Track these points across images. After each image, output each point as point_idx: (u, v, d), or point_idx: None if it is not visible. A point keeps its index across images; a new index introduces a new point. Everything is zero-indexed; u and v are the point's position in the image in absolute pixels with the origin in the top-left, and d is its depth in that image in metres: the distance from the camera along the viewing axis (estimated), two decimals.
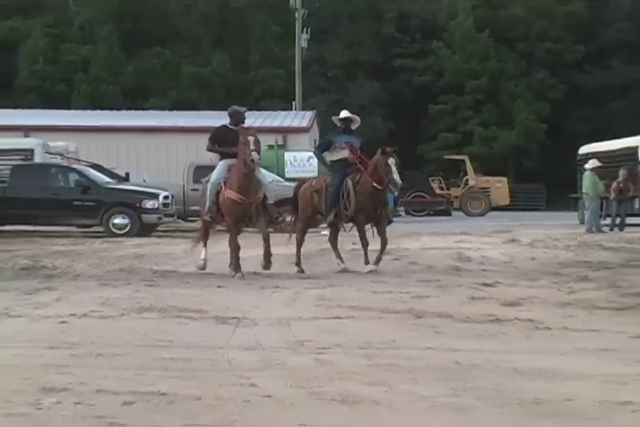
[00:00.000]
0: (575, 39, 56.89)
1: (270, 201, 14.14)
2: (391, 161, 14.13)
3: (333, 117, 15.56)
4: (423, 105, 54.87)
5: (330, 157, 14.96)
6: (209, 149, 14.96)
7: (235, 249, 13.65)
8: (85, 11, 55.13)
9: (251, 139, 13.16)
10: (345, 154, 14.61)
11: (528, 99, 55.77)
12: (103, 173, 26.92)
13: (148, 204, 24.78)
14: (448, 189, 44.14)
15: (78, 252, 18.65)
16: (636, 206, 29.37)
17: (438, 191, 43.68)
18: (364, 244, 14.46)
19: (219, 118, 39.88)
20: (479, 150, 53.13)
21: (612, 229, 27.58)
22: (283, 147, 35.49)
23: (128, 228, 24.26)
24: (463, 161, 45.13)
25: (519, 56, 57.04)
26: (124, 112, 43.38)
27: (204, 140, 34.57)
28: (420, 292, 11.22)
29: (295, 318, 8.95)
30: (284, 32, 52.16)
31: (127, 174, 29.15)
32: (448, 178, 45.26)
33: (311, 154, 33.76)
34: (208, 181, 14.43)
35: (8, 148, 28.40)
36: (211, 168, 28.75)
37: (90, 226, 24.99)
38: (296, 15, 47.32)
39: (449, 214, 39.64)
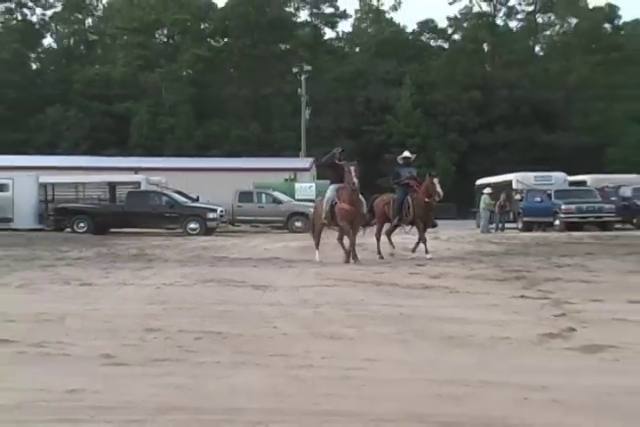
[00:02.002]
0: (473, 114, 56.99)
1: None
2: (435, 180, 13.84)
3: (398, 157, 14.81)
4: (380, 154, 54.73)
5: (397, 183, 14.39)
6: (321, 165, 13.77)
7: (352, 244, 12.86)
8: (172, 96, 55.14)
9: (352, 168, 12.56)
10: (407, 180, 14.13)
11: (444, 151, 55.72)
12: (183, 196, 26.92)
13: (210, 215, 24.78)
14: None
15: (167, 245, 18.64)
16: (511, 217, 29.41)
17: None
18: (423, 240, 13.89)
19: (253, 162, 40.00)
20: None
21: (496, 231, 27.61)
22: (294, 180, 35.42)
23: (198, 230, 24.23)
24: None
25: (439, 124, 57.08)
26: (196, 159, 43.25)
27: (245, 175, 34.73)
28: (378, 269, 11.22)
29: (301, 286, 8.93)
30: (294, 109, 52.19)
31: (197, 197, 29.06)
32: None
33: (311, 184, 33.90)
34: (321, 199, 13.70)
35: (125, 181, 28.59)
36: (249, 193, 29.13)
37: (174, 229, 24.96)
38: (302, 99, 47.45)
39: None
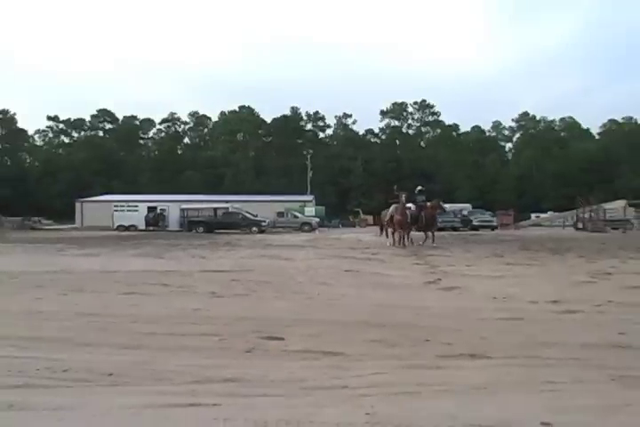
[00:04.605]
0: (392, 175, 56.43)
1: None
2: (441, 203, 12.99)
3: (415, 189, 12.90)
4: (349, 194, 54.24)
5: (414, 204, 12.64)
6: (391, 199, 12.20)
7: (399, 238, 11.75)
8: (244, 165, 54.92)
9: (404, 196, 11.80)
10: (421, 203, 12.60)
11: (381, 193, 54.60)
12: (250, 214, 26.56)
13: (263, 223, 24.37)
14: (355, 218, 43.10)
15: (241, 239, 18.42)
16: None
17: (352, 219, 42.90)
18: (431, 237, 12.31)
19: (283, 197, 39.43)
20: (364, 210, 52.65)
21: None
22: (304, 206, 35.38)
23: (257, 231, 23.87)
24: (358, 211, 44.54)
25: (376, 179, 56.54)
26: (255, 196, 42.47)
27: (280, 204, 34.19)
28: (344, 251, 11.02)
29: (308, 259, 8.82)
30: (304, 172, 52.05)
31: (257, 215, 28.61)
32: (356, 215, 44.40)
33: (312, 208, 33.82)
34: (385, 213, 12.31)
35: (221, 207, 27.15)
36: (282, 212, 29.06)
37: (245, 231, 24.72)
38: (308, 168, 47.34)
39: (354, 226, 38.93)
